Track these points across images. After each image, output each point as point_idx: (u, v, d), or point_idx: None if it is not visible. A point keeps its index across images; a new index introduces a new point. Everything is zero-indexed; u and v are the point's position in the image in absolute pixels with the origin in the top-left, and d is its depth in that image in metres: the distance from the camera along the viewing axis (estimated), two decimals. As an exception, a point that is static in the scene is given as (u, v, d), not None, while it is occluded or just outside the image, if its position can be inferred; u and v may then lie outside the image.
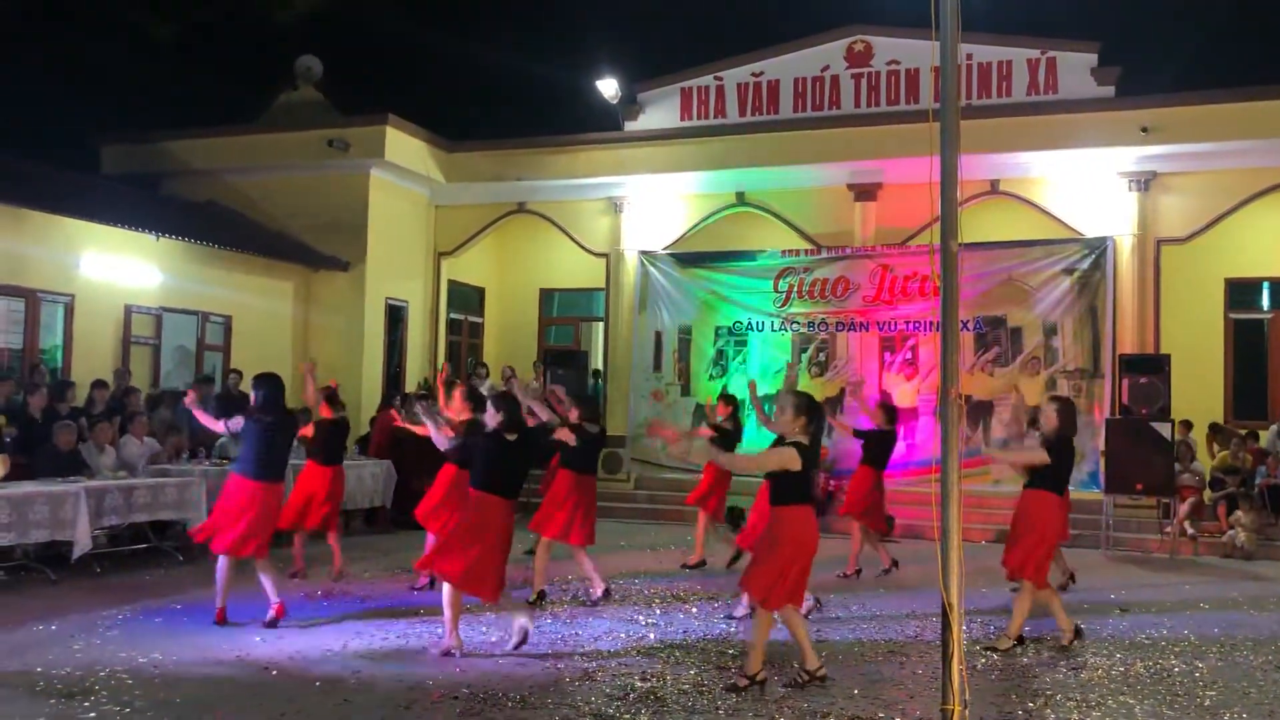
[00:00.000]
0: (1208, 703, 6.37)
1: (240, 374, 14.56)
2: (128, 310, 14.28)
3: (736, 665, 7.03)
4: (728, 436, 10.51)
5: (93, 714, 5.75)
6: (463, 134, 18.39)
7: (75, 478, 10.03)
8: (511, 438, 7.21)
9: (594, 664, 7.00)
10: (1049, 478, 7.82)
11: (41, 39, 20.88)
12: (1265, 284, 16.21)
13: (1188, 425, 14.10)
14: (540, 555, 9.22)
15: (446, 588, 7.17)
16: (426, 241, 18.52)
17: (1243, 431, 14.36)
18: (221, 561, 7.92)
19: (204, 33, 22.93)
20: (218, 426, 8.44)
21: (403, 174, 17.44)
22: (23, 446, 10.84)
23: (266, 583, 7.95)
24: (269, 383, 8.13)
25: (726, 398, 11.37)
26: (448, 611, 7.17)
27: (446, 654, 7.14)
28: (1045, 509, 7.78)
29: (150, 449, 11.68)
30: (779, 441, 6.58)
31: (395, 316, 17.75)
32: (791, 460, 6.44)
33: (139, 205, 15.59)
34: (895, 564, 10.92)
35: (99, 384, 12.42)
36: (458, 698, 6.17)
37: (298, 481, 10.10)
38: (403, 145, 17.08)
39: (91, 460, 10.82)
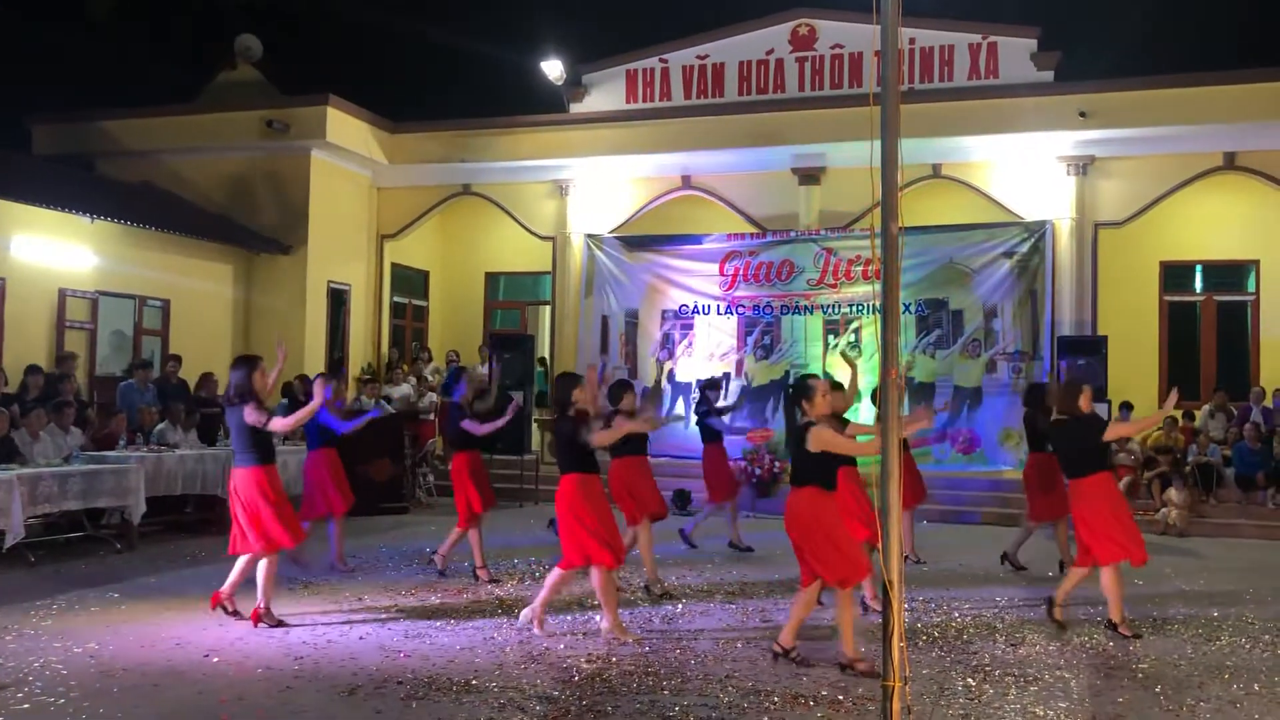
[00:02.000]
0: (1140, 675, 6.52)
1: (179, 360, 14.32)
2: (62, 294, 13.96)
3: (680, 647, 7.07)
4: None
5: (26, 705, 5.64)
6: (406, 115, 18.18)
7: (8, 465, 9.81)
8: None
9: (538, 647, 7.00)
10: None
11: (-31, 15, 20.29)
12: (1198, 267, 16.57)
13: (1128, 406, 14.34)
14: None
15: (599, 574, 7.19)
16: (369, 224, 18.33)
17: (1178, 413, 14.68)
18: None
19: (140, 9, 22.44)
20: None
21: (344, 155, 17.22)
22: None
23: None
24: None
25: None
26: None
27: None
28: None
29: (77, 440, 11.40)
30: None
31: (337, 300, 17.54)
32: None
33: (73, 186, 15.23)
34: None
35: (33, 369, 12.13)
36: (401, 682, 6.14)
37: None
38: (344, 126, 16.86)
39: (25, 447, 10.59)
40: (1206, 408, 14.91)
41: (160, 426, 12.41)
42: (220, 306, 16.59)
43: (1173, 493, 13.22)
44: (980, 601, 8.71)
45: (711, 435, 11.23)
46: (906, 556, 10.62)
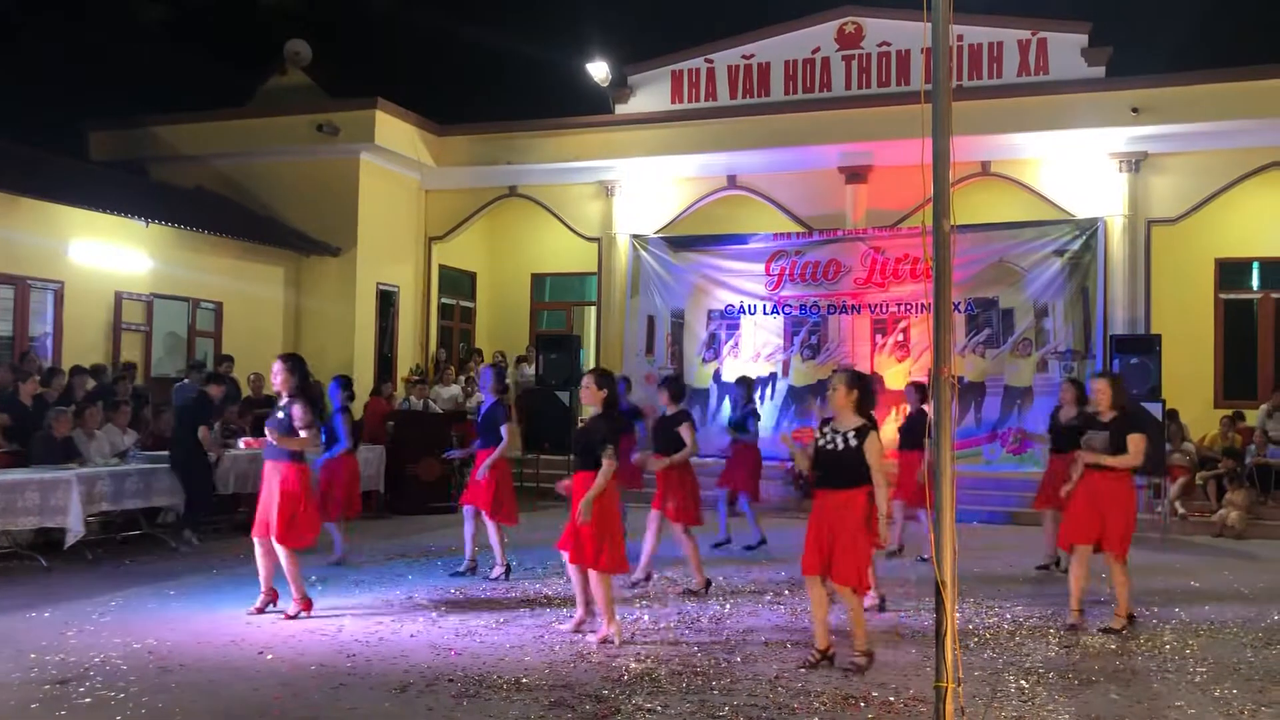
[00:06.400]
0: (1198, 679, 6.41)
1: (232, 361, 14.53)
2: (118, 297, 14.23)
3: (728, 647, 7.06)
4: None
5: (88, 699, 5.75)
6: (453, 118, 18.31)
7: (68, 465, 10.00)
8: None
9: (587, 646, 7.02)
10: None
11: (28, 22, 20.71)
12: (1255, 264, 16.26)
13: (1176, 414, 14.08)
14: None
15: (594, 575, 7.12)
16: (417, 226, 18.48)
17: (1229, 412, 14.46)
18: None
19: (192, 16, 22.78)
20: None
21: (393, 158, 17.37)
22: (15, 434, 10.81)
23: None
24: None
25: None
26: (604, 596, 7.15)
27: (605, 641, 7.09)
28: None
29: (131, 439, 11.58)
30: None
31: (386, 302, 17.71)
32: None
33: (128, 191, 15.52)
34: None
35: (78, 370, 12.34)
36: (452, 680, 6.19)
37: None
38: (392, 129, 17.01)
39: (83, 447, 10.79)
40: (1264, 407, 14.59)
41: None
42: (271, 308, 16.82)
43: (1230, 494, 12.98)
44: (1032, 603, 8.61)
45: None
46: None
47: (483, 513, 9.41)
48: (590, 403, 7.31)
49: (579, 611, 7.39)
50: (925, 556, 10.50)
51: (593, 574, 7.06)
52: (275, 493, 7.74)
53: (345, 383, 10.52)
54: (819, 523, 6.53)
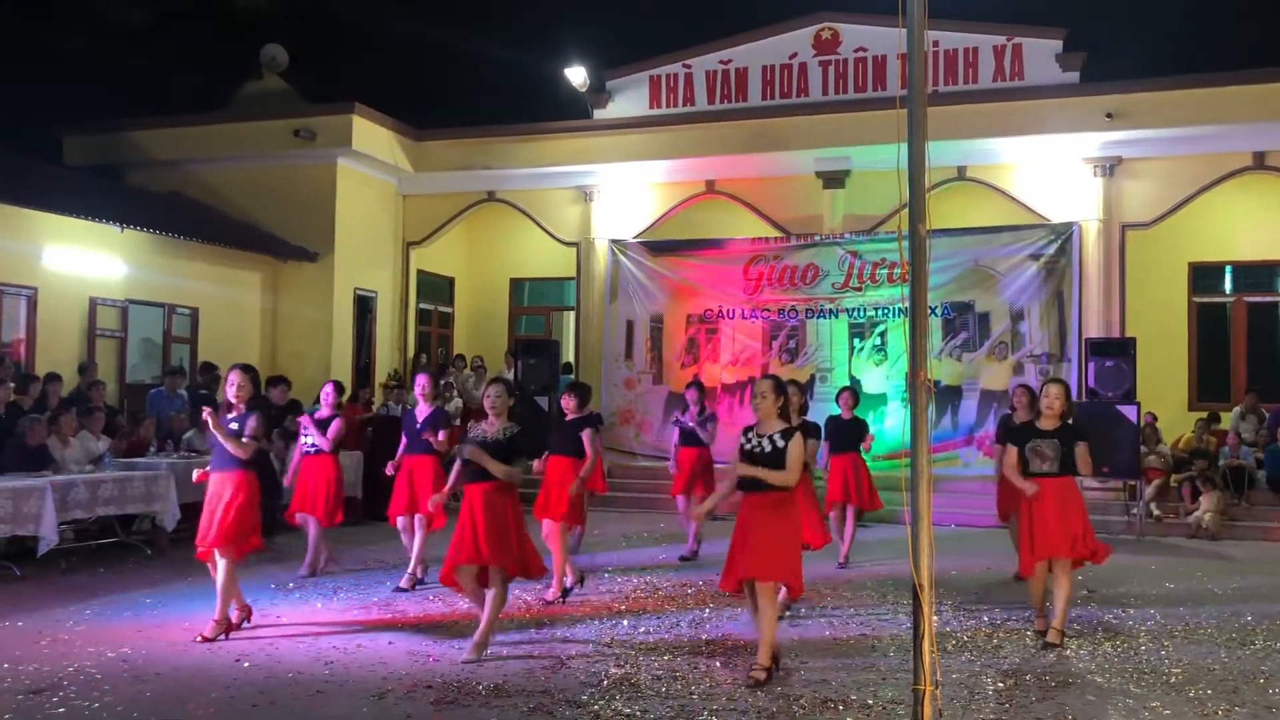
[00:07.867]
0: (1173, 680, 6.46)
1: (213, 367, 14.43)
2: (92, 303, 14.11)
3: (708, 651, 7.07)
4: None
5: (61, 709, 5.70)
6: (431, 123, 18.26)
7: (41, 472, 9.91)
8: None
9: (567, 652, 7.01)
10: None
11: (1, 25, 20.51)
12: (1228, 268, 16.41)
13: (1153, 416, 14.20)
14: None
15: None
16: (395, 231, 18.41)
17: (1203, 414, 14.60)
18: None
19: (168, 20, 22.63)
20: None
21: (370, 163, 17.31)
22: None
23: None
24: None
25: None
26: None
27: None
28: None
29: (105, 445, 11.47)
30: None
31: (364, 307, 17.64)
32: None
33: (103, 196, 15.38)
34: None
35: (52, 377, 12.22)
36: (431, 687, 6.17)
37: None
38: (370, 134, 16.95)
39: (57, 454, 10.69)
40: (1237, 410, 14.74)
41: (189, 434, 12.51)
42: (248, 314, 16.71)
43: (1205, 496, 13.08)
44: (1009, 605, 8.66)
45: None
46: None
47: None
48: (499, 411, 7.18)
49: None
50: (841, 563, 10.48)
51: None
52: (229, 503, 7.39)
53: (339, 387, 10.56)
54: (744, 527, 6.48)
